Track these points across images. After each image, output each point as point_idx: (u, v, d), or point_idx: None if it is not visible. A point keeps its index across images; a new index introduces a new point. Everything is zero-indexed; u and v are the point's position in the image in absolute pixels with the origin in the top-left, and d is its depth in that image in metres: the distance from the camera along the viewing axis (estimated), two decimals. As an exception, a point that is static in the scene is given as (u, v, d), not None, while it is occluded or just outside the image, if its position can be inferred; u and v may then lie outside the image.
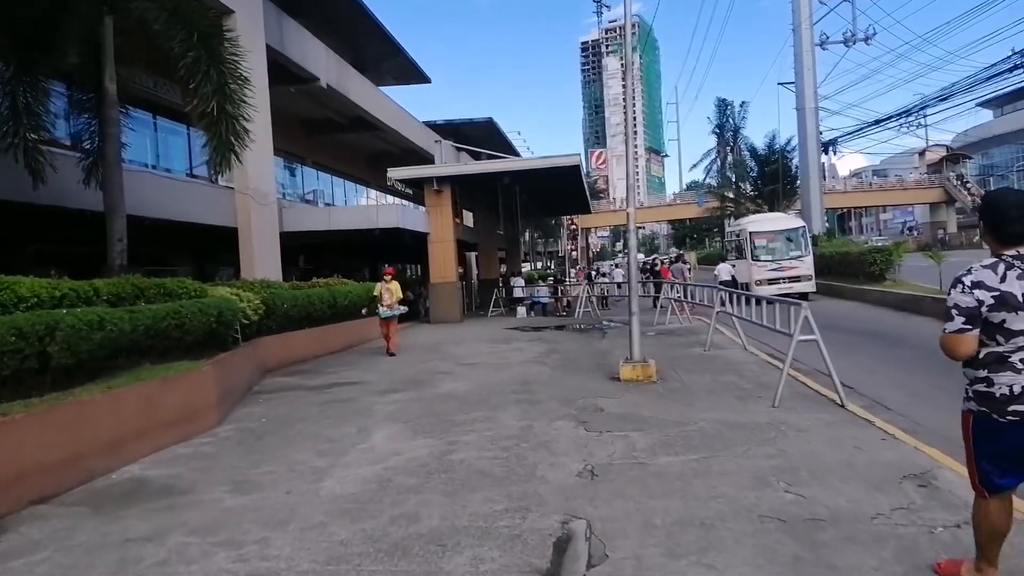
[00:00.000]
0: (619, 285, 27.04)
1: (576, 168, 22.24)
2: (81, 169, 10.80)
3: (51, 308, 6.65)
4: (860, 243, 32.62)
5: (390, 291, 13.67)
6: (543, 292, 25.04)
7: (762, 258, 21.97)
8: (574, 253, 67.30)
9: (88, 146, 10.61)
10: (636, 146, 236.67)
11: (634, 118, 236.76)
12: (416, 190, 27.77)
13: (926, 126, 42.59)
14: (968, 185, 69.74)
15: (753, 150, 44.00)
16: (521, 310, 23.89)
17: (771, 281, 21.15)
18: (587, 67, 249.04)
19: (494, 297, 25.31)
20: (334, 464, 5.82)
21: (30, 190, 11.00)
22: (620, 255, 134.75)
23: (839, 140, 34.96)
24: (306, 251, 28.53)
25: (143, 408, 6.50)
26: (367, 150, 33.63)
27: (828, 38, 34.33)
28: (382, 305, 13.61)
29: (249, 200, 17.18)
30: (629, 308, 9.55)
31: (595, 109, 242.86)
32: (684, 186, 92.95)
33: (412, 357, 13.23)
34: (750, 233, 22.22)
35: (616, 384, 8.96)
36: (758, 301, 11.02)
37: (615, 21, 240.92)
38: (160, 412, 6.71)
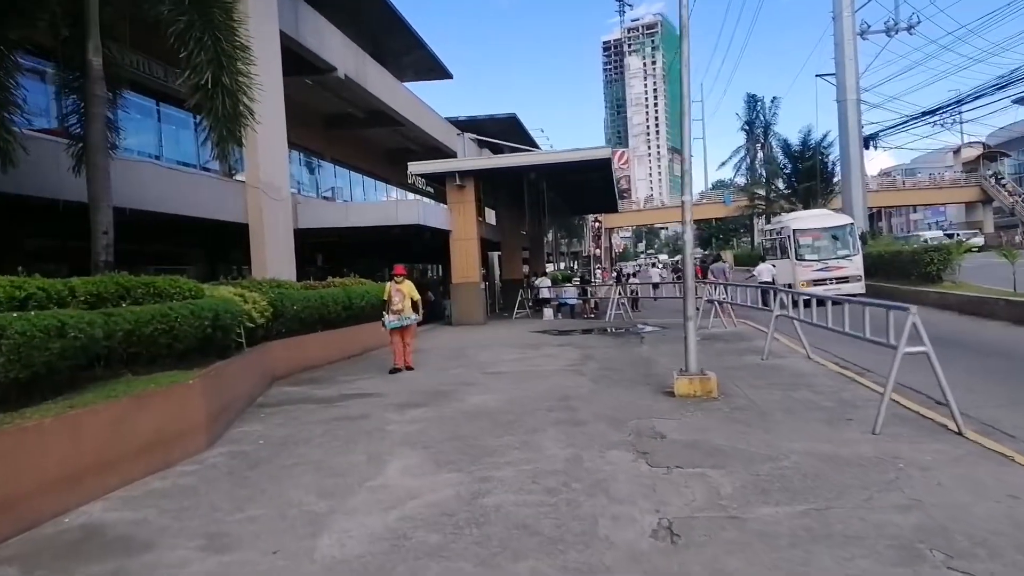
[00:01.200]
0: (655, 286, 25.70)
1: (607, 162, 20.95)
2: (71, 156, 9.75)
3: (11, 311, 5.56)
4: (910, 242, 30.88)
5: (402, 293, 11.28)
6: (570, 293, 23.74)
7: (807, 257, 20.49)
8: (597, 252, 65.95)
9: (77, 131, 9.54)
10: (659, 145, 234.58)
11: (656, 117, 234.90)
12: (437, 187, 26.67)
13: (961, 123, 40.65)
14: (1006, 184, 67.31)
15: (787, 146, 42.37)
16: (548, 312, 22.65)
17: (816, 282, 19.70)
18: (609, 67, 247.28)
19: (519, 298, 24.10)
20: (336, 509, 4.63)
21: (23, 180, 10.04)
22: (643, 255, 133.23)
23: (880, 134, 33.22)
24: (324, 250, 27.58)
25: (111, 432, 5.37)
26: (387, 146, 32.60)
27: (869, 27, 32.64)
28: (390, 311, 11.20)
29: (261, 195, 16.14)
30: (684, 312, 8.27)
31: (617, 109, 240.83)
32: (709, 185, 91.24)
33: (433, 364, 12.06)
34: (794, 231, 20.75)
35: (671, 401, 7.69)
36: (827, 304, 9.69)
37: (637, 20, 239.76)
38: (133, 436, 5.57)
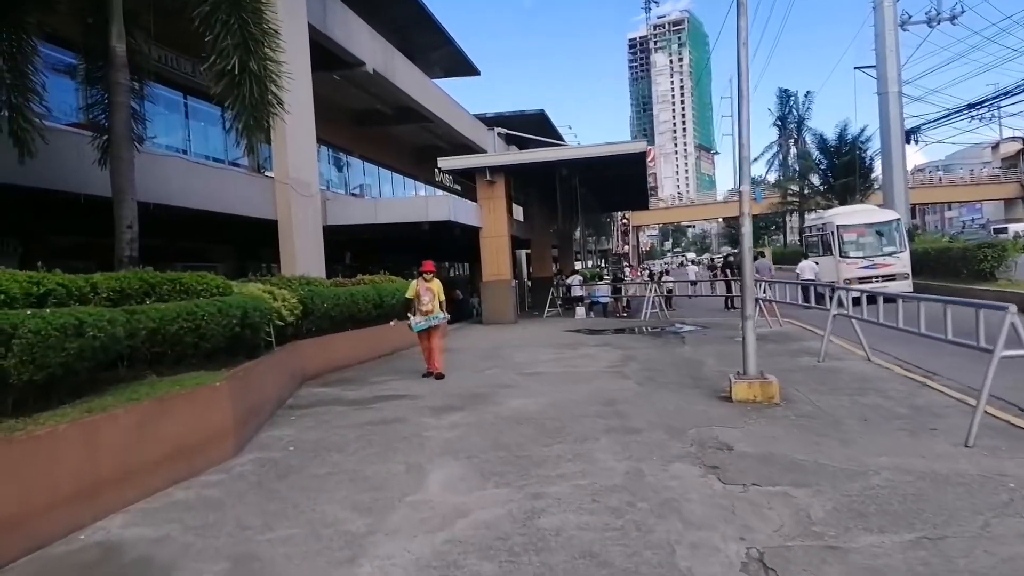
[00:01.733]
0: (693, 283, 25.00)
1: (641, 156, 20.36)
2: (96, 148, 9.44)
3: (29, 308, 5.19)
4: (959, 238, 29.70)
5: (431, 292, 10.29)
6: (603, 292, 23.15)
7: (851, 254, 19.67)
8: (625, 248, 65.16)
9: (102, 121, 9.22)
10: (685, 143, 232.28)
11: (682, 114, 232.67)
12: (467, 183, 26.23)
13: (1000, 118, 39.13)
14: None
15: (823, 141, 41.21)
16: (580, 310, 22.08)
17: (862, 280, 18.88)
18: (634, 64, 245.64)
19: (550, 297, 23.57)
20: (376, 528, 4.16)
21: (46, 173, 9.77)
22: (670, 254, 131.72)
23: (922, 128, 32.08)
24: (352, 248, 27.32)
25: (131, 439, 4.97)
26: (415, 144, 32.25)
27: (910, 17, 31.59)
28: (419, 311, 10.20)
29: (289, 190, 15.81)
30: (743, 311, 7.70)
31: (643, 106, 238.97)
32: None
33: (467, 365, 11.59)
34: (837, 227, 19.93)
35: (729, 407, 7.12)
36: (878, 302, 9.04)
37: (664, 17, 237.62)
38: (155, 443, 5.17)
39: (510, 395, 8.40)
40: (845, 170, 39.23)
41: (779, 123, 56.06)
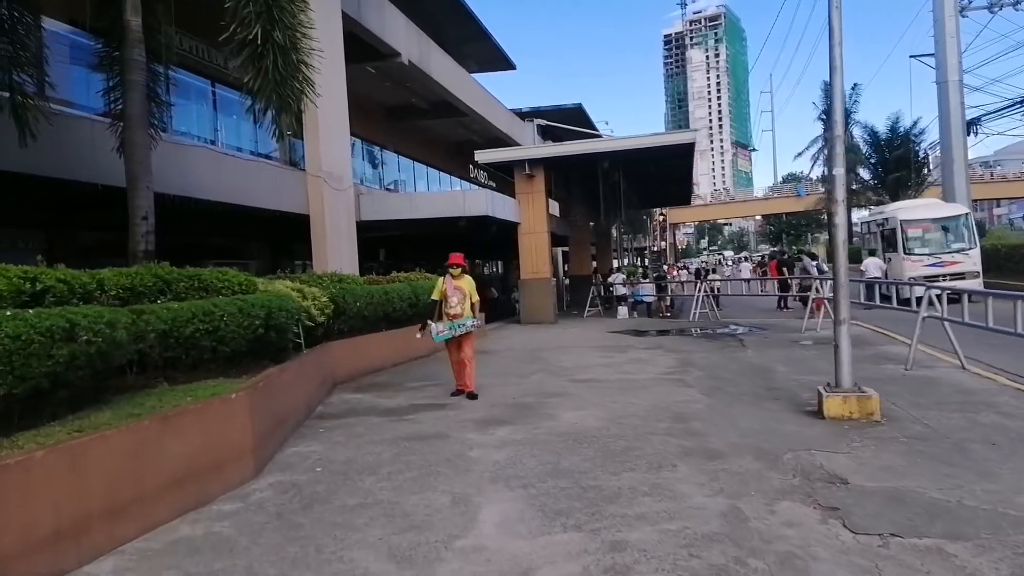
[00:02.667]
0: (748, 281, 23.81)
1: (690, 148, 19.25)
2: (116, 136, 8.78)
3: (23, 307, 4.47)
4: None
5: (462, 292, 8.35)
6: (647, 290, 22.10)
7: (916, 251, 18.37)
8: (663, 245, 63.78)
9: (119, 106, 8.55)
10: (722, 140, 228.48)
11: (719, 111, 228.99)
12: (503, 177, 25.38)
13: None
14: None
15: (873, 134, 39.38)
16: (622, 310, 21.10)
17: (928, 279, 17.56)
18: (669, 60, 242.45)
19: (591, 295, 22.61)
20: (419, 588, 3.31)
21: (61, 162, 9.17)
22: (705, 252, 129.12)
23: (982, 119, 30.33)
24: (386, 245, 26.74)
25: (127, 464, 4.19)
26: (449, 139, 31.53)
27: (970, 2, 29.90)
28: (445, 315, 8.33)
29: (322, 184, 15.13)
30: (836, 314, 6.68)
31: (678, 103, 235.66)
32: (779, 178, 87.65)
33: (510, 369, 10.73)
34: (901, 222, 18.63)
35: (822, 425, 6.14)
36: (963, 300, 7.94)
37: (700, 12, 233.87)
38: (158, 468, 4.39)
39: (562, 406, 7.51)
40: (897, 164, 37.44)
41: (823, 117, 54.05)
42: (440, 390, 9.02)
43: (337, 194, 15.68)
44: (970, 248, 18.06)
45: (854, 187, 45.00)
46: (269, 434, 5.84)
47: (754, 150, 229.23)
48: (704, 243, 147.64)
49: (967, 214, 18.77)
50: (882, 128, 39.26)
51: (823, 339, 12.36)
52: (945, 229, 18.55)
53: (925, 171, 38.85)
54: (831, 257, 7.66)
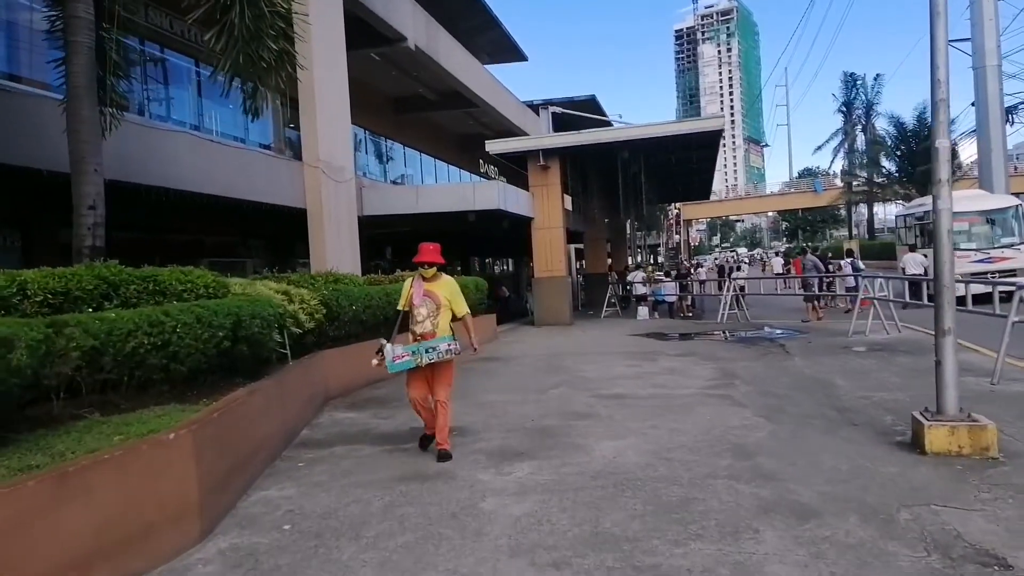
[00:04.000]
0: (782, 277, 22.41)
1: (717, 136, 17.91)
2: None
3: None
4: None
5: (434, 299, 5.78)
6: (669, 289, 20.78)
7: (962, 247, 16.93)
8: (677, 241, 62.36)
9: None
10: (734, 136, 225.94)
11: (731, 106, 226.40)
12: (515, 170, 24.08)
13: None
14: None
15: (900, 125, 37.74)
16: (643, 310, 19.80)
17: (975, 276, 16.14)
18: (681, 55, 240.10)
19: (608, 295, 21.32)
20: None
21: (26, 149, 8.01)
22: (718, 249, 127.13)
23: (1019, 107, 28.78)
24: (392, 242, 25.55)
25: (6, 541, 2.98)
26: (458, 132, 30.31)
27: (1007, -17, 28.41)
28: (411, 332, 5.82)
29: (320, 175, 13.93)
30: (938, 322, 5.39)
31: (689, 98, 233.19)
32: (795, 173, 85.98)
33: (526, 382, 9.49)
34: (945, 214, 17.20)
35: (926, 463, 4.85)
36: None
37: (711, 7, 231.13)
38: (51, 550, 3.17)
39: (592, 432, 6.24)
40: (926, 156, 35.72)
41: (844, 109, 52.51)
42: (455, 406, 7.76)
43: (337, 186, 14.48)
44: (1021, 243, 16.64)
45: (880, 180, 43.45)
46: (225, 479, 4.61)
47: (766, 145, 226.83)
48: (716, 240, 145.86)
49: (1017, 206, 17.33)
50: (909, 119, 37.60)
51: (877, 345, 11.04)
52: (993, 222, 17.14)
53: (955, 163, 37.15)
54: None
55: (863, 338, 11.83)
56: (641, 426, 6.37)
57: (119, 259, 6.47)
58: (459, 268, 33.35)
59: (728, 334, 14.68)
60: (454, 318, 5.94)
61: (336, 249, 14.23)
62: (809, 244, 60.33)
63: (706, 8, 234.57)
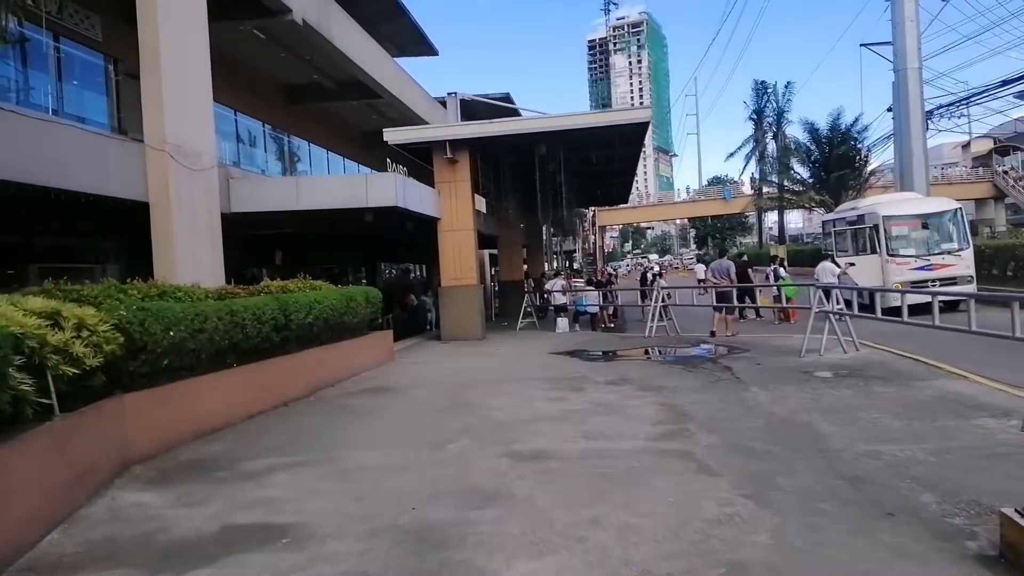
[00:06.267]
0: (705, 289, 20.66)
1: (643, 129, 16.13)
2: None
3: None
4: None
5: None
6: (591, 299, 18.88)
7: (902, 253, 15.82)
8: (593, 247, 61.40)
9: None
10: (644, 146, 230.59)
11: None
12: (427, 167, 21.64)
13: (969, 118, 36.12)
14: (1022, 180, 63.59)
15: (814, 131, 37.63)
16: (562, 322, 17.82)
17: (915, 284, 14.99)
18: (594, 65, 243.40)
19: (524, 304, 19.25)
20: None
21: None
22: (629, 255, 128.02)
23: (937, 112, 28.73)
24: (283, 246, 22.61)
25: None
26: (364, 128, 27.52)
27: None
28: None
29: (167, 160, 11.14)
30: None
31: (602, 108, 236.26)
32: (705, 181, 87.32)
33: (415, 426, 7.17)
34: (883, 218, 16.02)
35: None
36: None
37: (623, 19, 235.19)
38: None
39: (502, 541, 3.96)
40: (840, 162, 35.78)
41: (755, 117, 52.86)
42: (294, 479, 5.38)
43: (191, 176, 11.69)
44: (963, 249, 15.65)
45: (796, 188, 43.53)
46: None
47: (675, 155, 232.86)
48: (629, 246, 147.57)
49: (958, 209, 16.36)
50: (824, 125, 37.60)
51: (841, 368, 9.31)
52: (933, 227, 16.09)
53: (867, 170, 37.45)
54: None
55: (819, 358, 10.12)
56: (576, 522, 4.15)
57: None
58: (363, 278, 30.58)
59: (660, 352, 12.82)
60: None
61: (189, 253, 11.46)
62: (737, 246, 60.57)
63: (617, 20, 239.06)
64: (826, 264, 15.72)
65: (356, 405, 8.48)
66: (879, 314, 11.03)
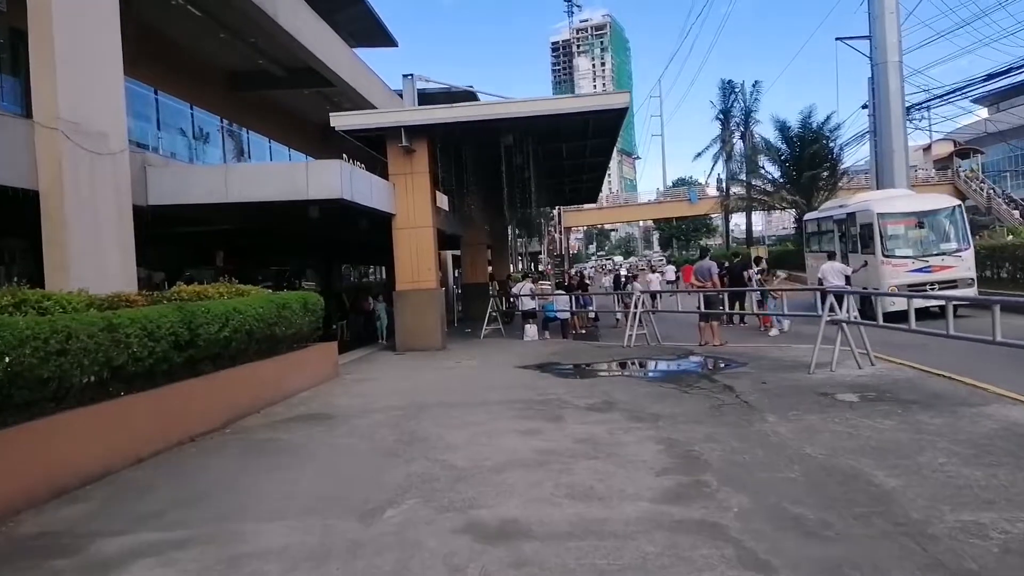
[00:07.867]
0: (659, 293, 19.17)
1: (620, 115, 14.61)
2: None
3: None
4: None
5: None
6: (562, 304, 17.37)
7: (898, 253, 14.62)
8: (559, 248, 60.06)
9: None
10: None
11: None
12: (382, 160, 19.89)
13: (930, 121, 36.00)
14: (983, 183, 64.23)
15: (785, 129, 36.78)
16: (531, 329, 16.30)
17: (913, 287, 13.82)
18: (557, 67, 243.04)
19: (489, 311, 17.67)
20: None
21: None
22: (594, 257, 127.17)
23: (914, 109, 27.92)
24: (225, 246, 20.67)
25: None
26: (318, 120, 25.50)
27: (901, -19, 27.46)
28: None
29: (61, 141, 9.28)
30: None
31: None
32: (669, 183, 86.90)
33: (350, 473, 5.52)
34: (878, 216, 14.80)
35: None
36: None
37: (586, 21, 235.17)
38: None
39: None
40: (812, 162, 34.94)
41: (722, 116, 52.05)
42: (181, 565, 3.69)
43: (94, 160, 9.83)
44: (963, 249, 14.52)
45: (764, 186, 42.71)
46: None
47: (638, 158, 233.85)
48: (593, 248, 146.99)
49: (958, 206, 15.22)
50: (795, 123, 36.76)
51: (865, 389, 7.89)
52: (930, 225, 14.93)
53: (839, 169, 36.69)
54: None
55: (832, 375, 8.72)
56: None
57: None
58: (320, 281, 28.66)
59: (643, 366, 11.34)
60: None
61: (89, 251, 9.60)
62: (701, 248, 59.72)
63: (581, 22, 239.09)
64: (834, 264, 14.41)
65: (278, 441, 6.77)
66: (880, 320, 9.64)
